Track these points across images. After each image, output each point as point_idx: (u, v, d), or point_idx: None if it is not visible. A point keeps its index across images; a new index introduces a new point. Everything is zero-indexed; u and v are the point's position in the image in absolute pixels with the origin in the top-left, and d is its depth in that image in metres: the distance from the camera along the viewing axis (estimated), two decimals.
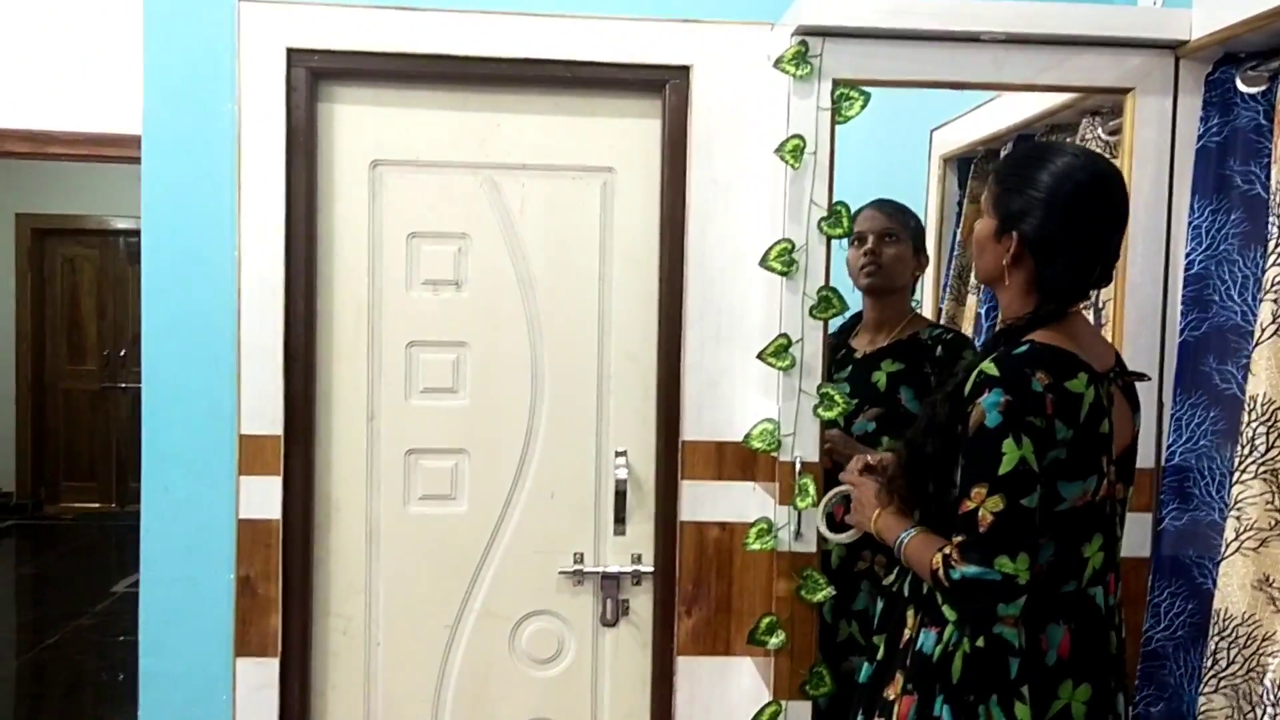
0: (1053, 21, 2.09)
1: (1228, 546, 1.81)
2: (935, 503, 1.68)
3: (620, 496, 2.38)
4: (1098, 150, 2.20)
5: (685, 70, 2.32)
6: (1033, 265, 1.66)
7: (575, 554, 2.44)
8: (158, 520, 2.32)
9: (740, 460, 2.34)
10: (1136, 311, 2.13)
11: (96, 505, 8.05)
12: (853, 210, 2.16)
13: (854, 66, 2.10)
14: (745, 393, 2.34)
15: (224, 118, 2.27)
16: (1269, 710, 1.69)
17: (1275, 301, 1.77)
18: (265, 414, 2.29)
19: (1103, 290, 2.11)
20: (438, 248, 2.39)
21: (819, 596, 2.14)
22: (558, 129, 2.38)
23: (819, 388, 2.13)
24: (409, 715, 2.44)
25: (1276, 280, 1.77)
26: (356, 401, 2.39)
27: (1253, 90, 1.96)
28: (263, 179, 2.27)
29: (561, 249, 2.40)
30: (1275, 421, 1.77)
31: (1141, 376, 1.79)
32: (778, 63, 2.12)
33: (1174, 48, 2.09)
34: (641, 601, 2.44)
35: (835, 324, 2.24)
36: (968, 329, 2.88)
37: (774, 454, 2.17)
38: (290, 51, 2.26)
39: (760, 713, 2.18)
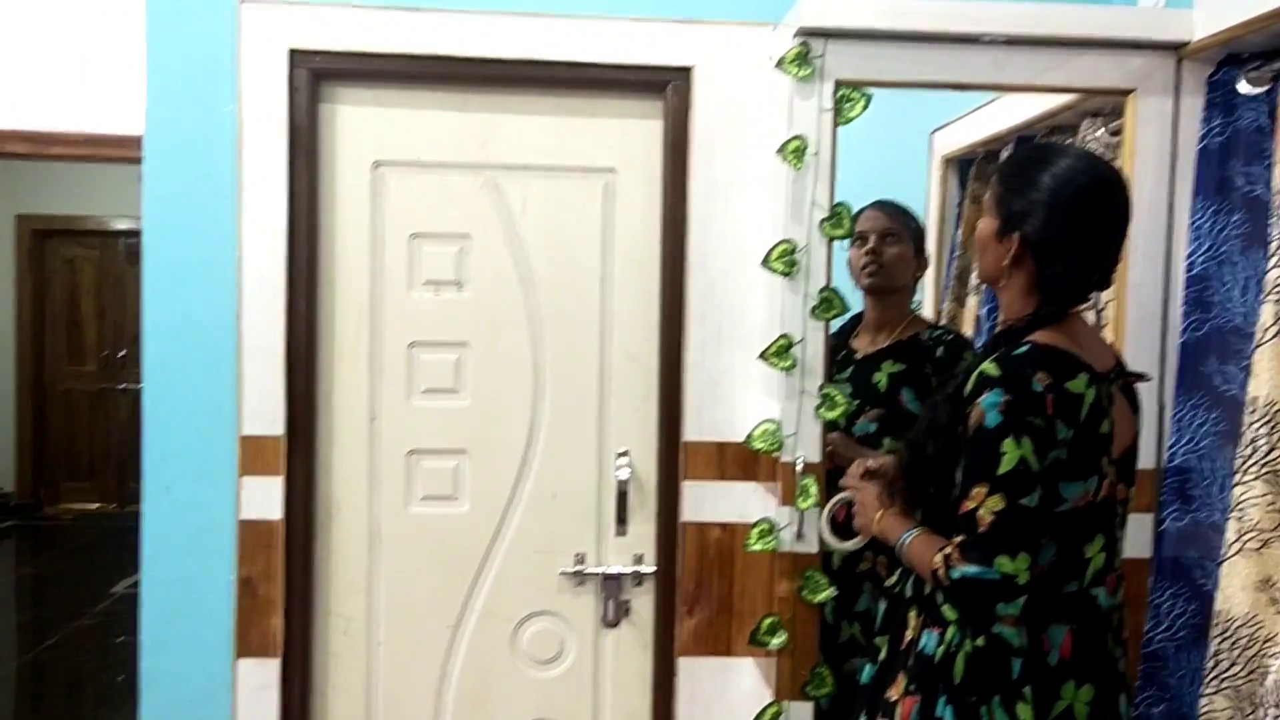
0: (1054, 23, 2.09)
1: (1229, 548, 1.81)
2: (936, 504, 1.68)
3: (622, 497, 2.38)
4: (1098, 152, 2.20)
5: (687, 71, 2.32)
6: (1033, 266, 1.66)
7: (576, 554, 2.44)
8: (159, 521, 2.32)
9: (742, 461, 2.34)
10: (1137, 312, 2.13)
11: (96, 506, 8.04)
12: (854, 211, 2.16)
13: (856, 67, 2.10)
14: (746, 393, 2.34)
15: (225, 118, 2.27)
16: (1271, 712, 1.69)
17: (1277, 303, 1.77)
18: (266, 414, 2.29)
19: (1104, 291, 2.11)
20: (439, 248, 2.39)
21: (820, 597, 2.14)
22: (559, 129, 2.38)
23: (821, 388, 2.13)
24: (410, 716, 2.44)
25: (1278, 281, 1.77)
26: (358, 402, 2.39)
27: (1255, 91, 1.96)
28: (264, 179, 2.27)
29: (563, 249, 2.41)
30: (1277, 423, 1.78)
31: (1142, 377, 1.79)
32: (779, 64, 2.12)
33: (1176, 49, 2.09)
34: (643, 602, 2.44)
35: (835, 325, 2.24)
36: (968, 330, 2.89)
37: (776, 454, 2.17)
38: (292, 52, 2.26)
39: (761, 713, 2.18)
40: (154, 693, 2.34)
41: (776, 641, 2.16)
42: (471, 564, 2.43)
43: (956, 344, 2.43)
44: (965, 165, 3.02)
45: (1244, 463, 1.81)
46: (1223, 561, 1.83)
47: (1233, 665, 1.81)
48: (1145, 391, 1.81)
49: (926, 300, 2.97)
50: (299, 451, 2.33)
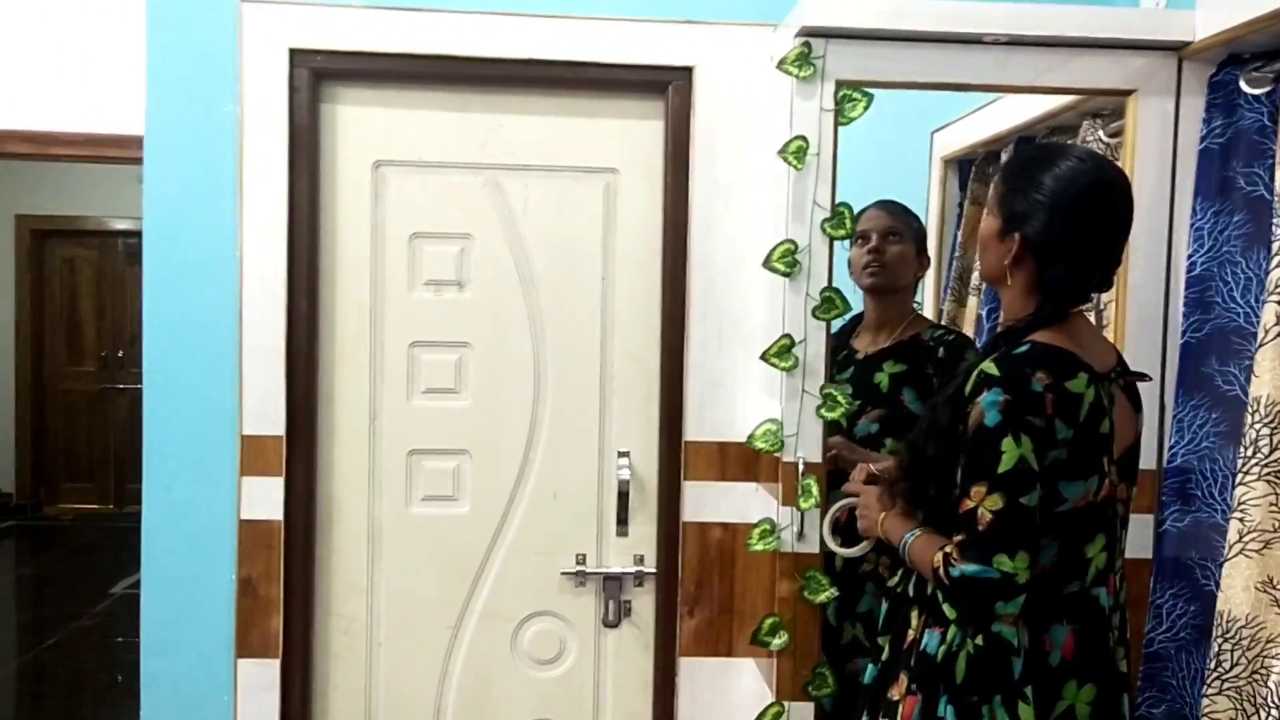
0: (1055, 23, 2.09)
1: (1231, 548, 1.81)
2: (938, 504, 1.68)
3: (623, 497, 2.38)
4: (1099, 152, 2.20)
5: (688, 71, 2.32)
6: (1034, 267, 1.66)
7: (577, 555, 2.44)
8: (159, 521, 2.32)
9: (743, 461, 2.34)
10: (1138, 313, 2.13)
11: (96, 506, 8.04)
12: (855, 211, 2.16)
13: (857, 68, 2.10)
14: (748, 393, 2.34)
15: (226, 118, 2.27)
16: (1273, 712, 1.69)
17: (1279, 303, 1.77)
18: (267, 414, 2.29)
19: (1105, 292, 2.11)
20: (440, 248, 2.39)
21: (821, 597, 2.14)
22: (560, 130, 2.38)
23: (822, 388, 2.13)
24: (410, 716, 2.44)
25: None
26: (358, 402, 2.39)
27: (1257, 91, 1.96)
28: (265, 179, 2.27)
29: (564, 249, 2.40)
30: (1279, 424, 1.77)
31: (1143, 377, 1.79)
32: (781, 64, 2.12)
33: (1177, 49, 2.09)
34: (644, 602, 2.44)
35: (836, 325, 2.24)
36: (969, 330, 2.88)
37: (777, 454, 2.17)
38: (292, 52, 2.26)
39: (763, 714, 2.18)
40: (155, 693, 2.34)
41: (778, 642, 2.16)
42: (472, 564, 2.43)
43: (958, 344, 2.42)
44: (966, 165, 3.02)
45: (1246, 463, 1.80)
46: (1225, 562, 1.83)
47: (1235, 666, 1.81)
48: (1146, 392, 1.81)
49: (926, 301, 2.96)
50: (299, 451, 2.33)
